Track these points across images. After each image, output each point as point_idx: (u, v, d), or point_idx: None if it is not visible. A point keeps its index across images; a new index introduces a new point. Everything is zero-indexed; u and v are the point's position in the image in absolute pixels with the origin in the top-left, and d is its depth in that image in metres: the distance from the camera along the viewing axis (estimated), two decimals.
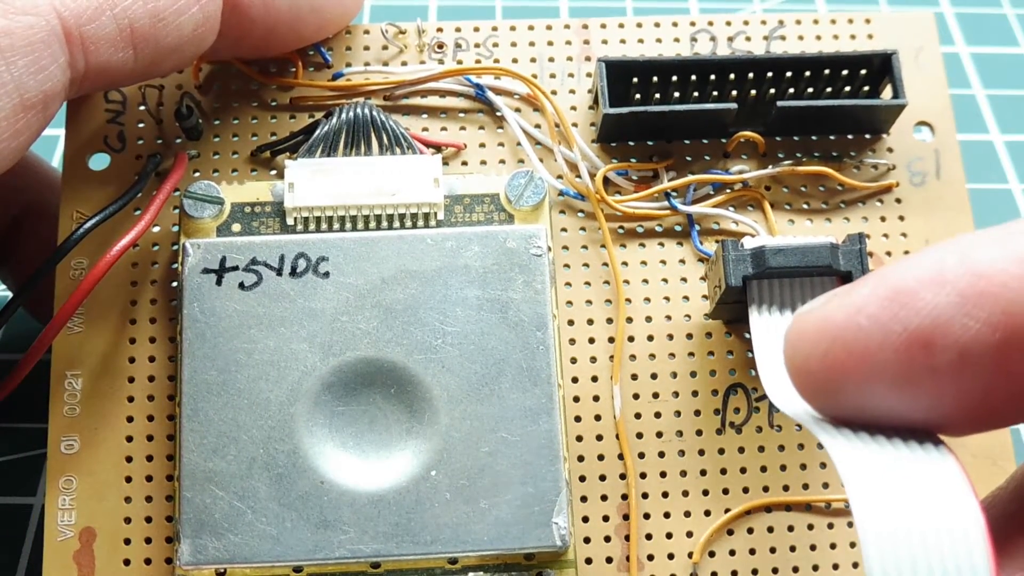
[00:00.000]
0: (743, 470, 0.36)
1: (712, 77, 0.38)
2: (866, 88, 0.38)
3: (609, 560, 0.35)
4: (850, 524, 0.36)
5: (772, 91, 0.38)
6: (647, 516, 0.35)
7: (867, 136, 0.40)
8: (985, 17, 0.60)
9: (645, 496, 0.36)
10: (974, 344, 0.20)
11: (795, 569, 0.35)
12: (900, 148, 0.40)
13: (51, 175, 0.43)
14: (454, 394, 0.33)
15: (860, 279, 0.22)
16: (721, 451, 0.36)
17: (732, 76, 0.38)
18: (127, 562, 0.34)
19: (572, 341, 0.37)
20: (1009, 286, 0.20)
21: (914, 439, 0.22)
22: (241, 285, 0.34)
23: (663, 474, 0.36)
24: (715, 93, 0.38)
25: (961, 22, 0.60)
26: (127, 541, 0.35)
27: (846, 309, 0.21)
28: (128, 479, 0.35)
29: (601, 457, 0.36)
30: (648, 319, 0.37)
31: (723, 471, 0.36)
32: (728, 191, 0.39)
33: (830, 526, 0.36)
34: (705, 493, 0.36)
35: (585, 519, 0.35)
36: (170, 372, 0.36)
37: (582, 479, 0.36)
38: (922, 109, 0.40)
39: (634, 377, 0.37)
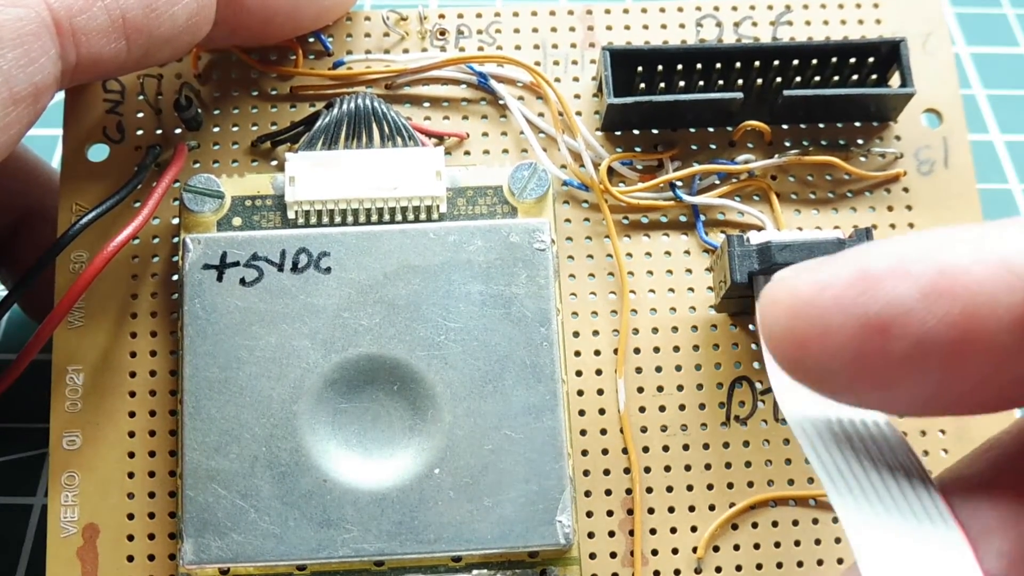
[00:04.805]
0: (748, 464, 0.36)
1: (718, 65, 0.37)
2: (874, 76, 0.38)
3: (613, 555, 0.35)
4: None
5: (779, 79, 0.38)
6: (651, 511, 0.35)
7: (875, 124, 0.39)
8: (985, 17, 0.59)
9: (649, 491, 0.35)
10: (929, 338, 0.20)
11: (799, 564, 0.35)
12: (908, 136, 0.39)
13: (52, 178, 0.42)
14: (457, 391, 0.33)
15: (834, 255, 0.22)
16: (726, 445, 0.36)
17: (738, 64, 0.37)
18: (131, 558, 0.34)
19: (576, 334, 0.36)
20: (969, 288, 0.20)
21: (918, 503, 0.23)
22: (242, 281, 0.34)
23: (667, 468, 0.36)
24: (721, 82, 0.38)
25: (961, 22, 0.59)
26: (130, 537, 0.34)
27: (813, 285, 0.21)
28: (131, 475, 0.35)
29: (605, 451, 0.36)
30: (652, 311, 0.37)
31: (728, 465, 0.36)
32: (734, 181, 0.38)
33: (835, 520, 0.35)
34: (710, 487, 0.35)
35: (589, 514, 0.35)
36: (172, 366, 0.36)
37: (586, 474, 0.35)
38: (930, 96, 0.39)
39: (638, 370, 0.36)
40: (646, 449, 0.36)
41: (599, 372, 0.36)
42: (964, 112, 0.40)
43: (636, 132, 0.39)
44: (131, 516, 0.35)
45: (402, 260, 0.34)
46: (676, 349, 0.37)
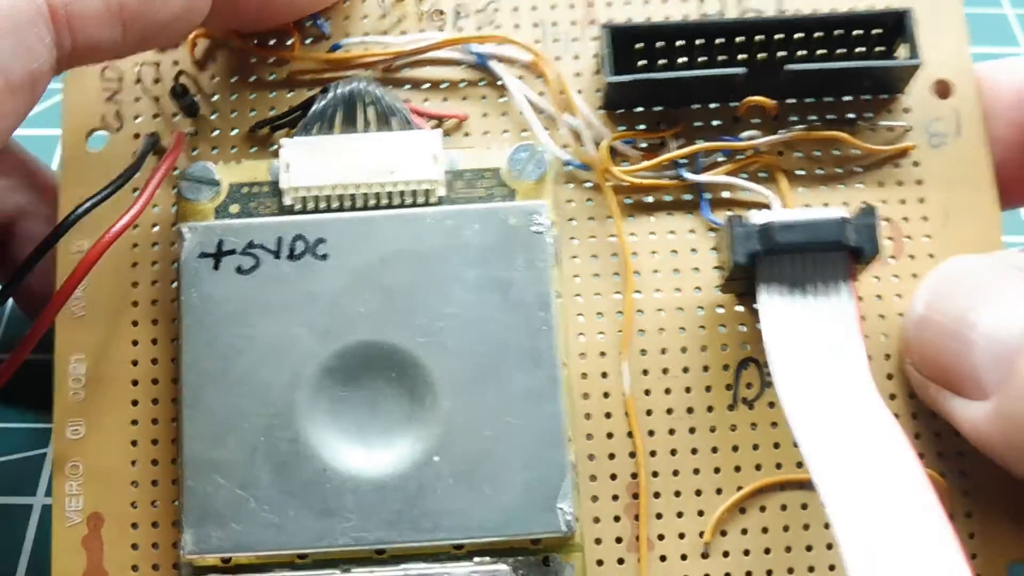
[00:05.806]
0: (755, 447, 0.35)
1: (720, 40, 0.36)
2: (881, 47, 0.37)
3: (619, 540, 0.34)
4: None
5: (782, 53, 0.37)
6: (657, 495, 0.35)
7: (883, 96, 0.38)
8: (985, 17, 0.58)
9: (655, 474, 0.35)
10: None
11: (808, 547, 0.35)
12: (918, 108, 0.38)
13: (48, 177, 0.42)
14: (456, 378, 0.33)
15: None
16: (733, 427, 0.35)
17: (741, 39, 0.36)
18: (135, 546, 0.34)
19: (579, 315, 0.36)
20: None
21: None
22: (239, 269, 0.34)
23: (673, 452, 0.35)
24: (723, 56, 0.37)
25: None
26: (134, 525, 0.35)
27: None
28: (134, 463, 0.35)
29: (610, 435, 0.35)
30: (657, 291, 0.36)
31: (735, 448, 0.35)
32: (739, 158, 0.37)
33: None
34: (716, 471, 0.35)
35: (594, 499, 0.35)
36: (173, 354, 0.35)
37: (590, 458, 0.35)
38: (940, 66, 0.38)
39: (643, 352, 0.36)
40: (651, 432, 0.35)
41: (603, 354, 0.36)
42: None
43: (638, 110, 0.38)
44: (135, 504, 0.35)
45: (399, 245, 0.34)
46: (682, 330, 0.36)
